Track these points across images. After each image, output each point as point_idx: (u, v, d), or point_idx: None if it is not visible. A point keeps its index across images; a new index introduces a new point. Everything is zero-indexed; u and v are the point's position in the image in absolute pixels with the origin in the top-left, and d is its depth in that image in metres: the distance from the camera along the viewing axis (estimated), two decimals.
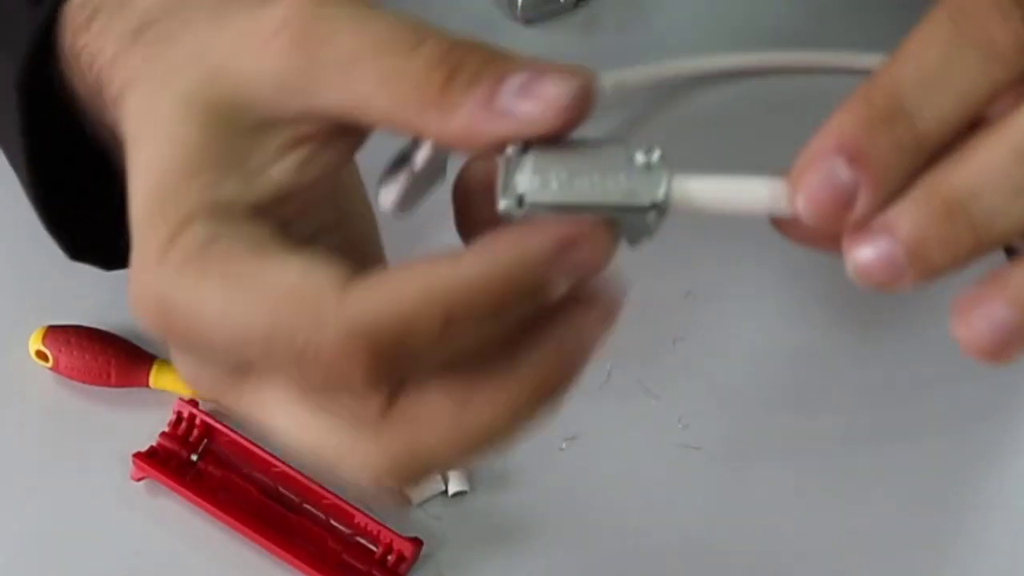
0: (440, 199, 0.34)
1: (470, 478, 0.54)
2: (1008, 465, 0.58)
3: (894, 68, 0.30)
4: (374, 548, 0.52)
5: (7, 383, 0.56)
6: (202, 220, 0.31)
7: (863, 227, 0.30)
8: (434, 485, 0.53)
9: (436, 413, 0.31)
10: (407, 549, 0.51)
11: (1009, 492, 0.57)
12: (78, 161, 0.39)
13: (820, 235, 0.31)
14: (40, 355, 0.55)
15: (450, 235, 0.34)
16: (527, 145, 0.30)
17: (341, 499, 0.52)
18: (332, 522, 0.53)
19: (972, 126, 0.30)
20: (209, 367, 0.33)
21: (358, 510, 0.52)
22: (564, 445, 0.56)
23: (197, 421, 0.53)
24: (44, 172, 0.40)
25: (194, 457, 0.53)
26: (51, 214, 0.41)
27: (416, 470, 0.32)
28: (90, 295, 0.56)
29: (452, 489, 0.54)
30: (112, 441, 0.54)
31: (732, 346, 0.59)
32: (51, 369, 0.55)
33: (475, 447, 0.32)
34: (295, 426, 0.33)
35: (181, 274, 0.30)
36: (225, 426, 0.53)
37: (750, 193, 0.31)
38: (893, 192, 0.30)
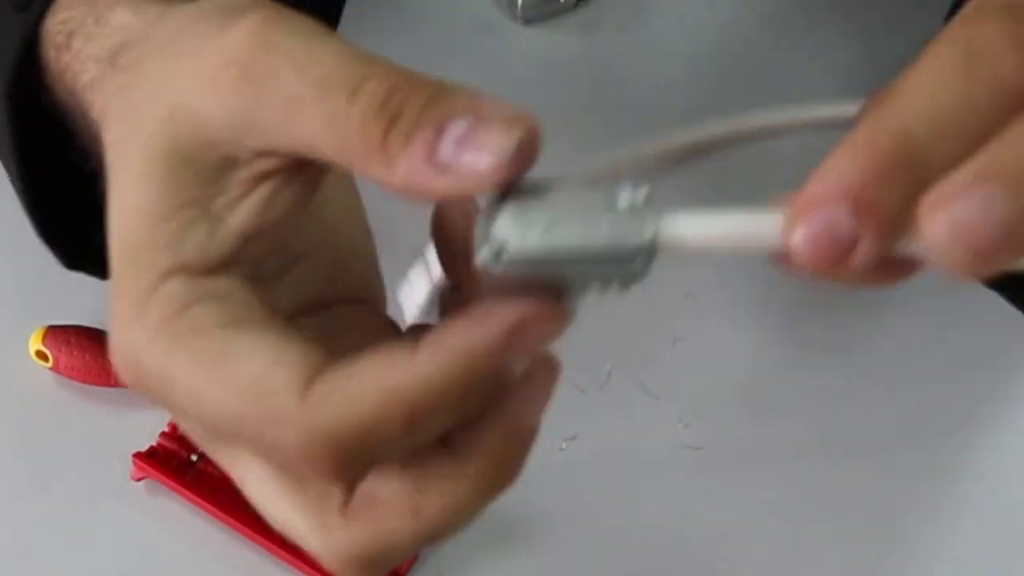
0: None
1: None
2: (1009, 465, 0.58)
3: (904, 111, 0.28)
4: None
5: (7, 383, 0.56)
6: (174, 279, 0.31)
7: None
8: None
9: (395, 503, 0.32)
10: None
11: (1009, 492, 0.57)
12: (71, 172, 0.39)
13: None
14: (40, 355, 0.55)
15: None
16: (505, 191, 0.29)
17: None
18: None
19: None
20: (187, 423, 0.34)
21: None
22: (564, 445, 0.56)
23: None
24: (37, 182, 0.40)
25: (194, 457, 0.54)
26: (45, 224, 0.41)
27: (378, 560, 0.33)
28: (90, 295, 0.55)
29: None
30: (112, 441, 0.54)
31: (732, 346, 0.59)
32: (51, 369, 0.55)
33: (435, 533, 0.32)
34: (266, 500, 0.33)
35: (153, 341, 0.31)
36: None
37: (746, 233, 0.29)
38: (897, 236, 0.27)
